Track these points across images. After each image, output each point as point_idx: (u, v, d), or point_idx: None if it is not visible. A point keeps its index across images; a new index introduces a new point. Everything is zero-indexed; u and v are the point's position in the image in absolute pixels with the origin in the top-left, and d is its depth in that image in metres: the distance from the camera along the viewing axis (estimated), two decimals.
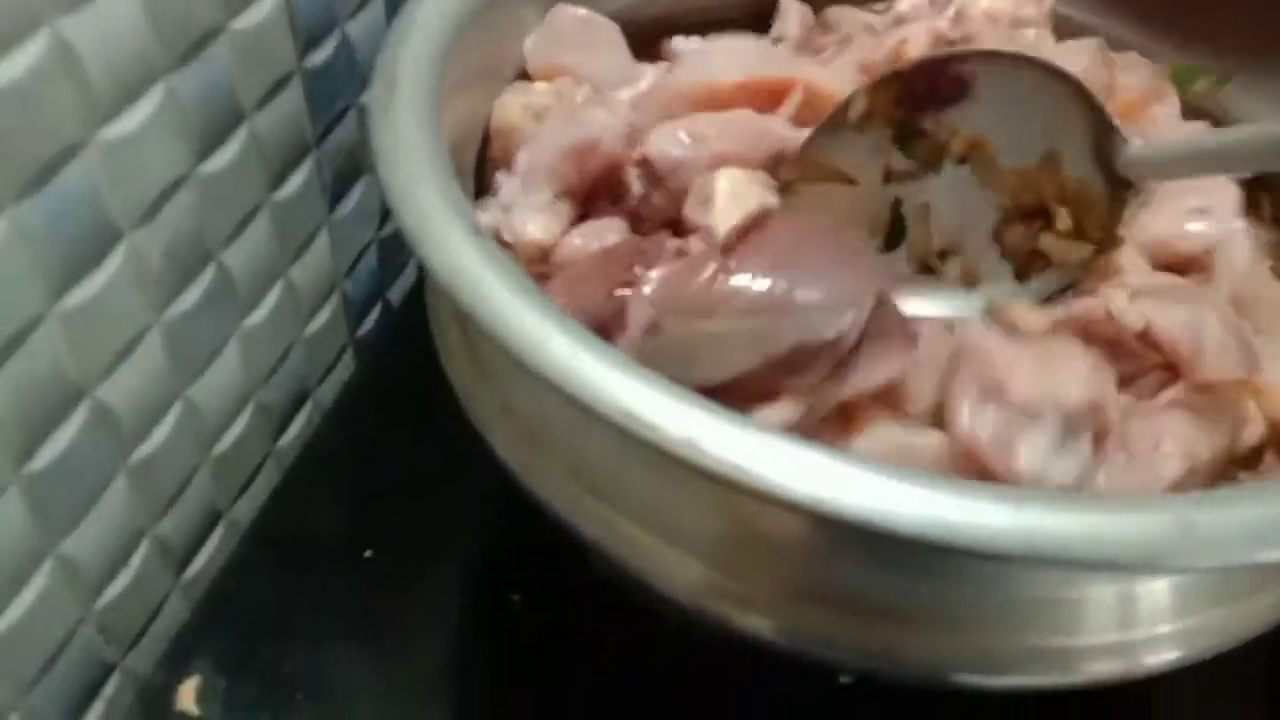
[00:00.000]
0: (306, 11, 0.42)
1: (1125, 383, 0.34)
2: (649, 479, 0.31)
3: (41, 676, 0.37)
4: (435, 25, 0.38)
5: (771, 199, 0.33)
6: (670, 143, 0.35)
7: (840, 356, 0.30)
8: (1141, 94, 0.42)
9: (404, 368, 0.51)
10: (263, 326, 0.45)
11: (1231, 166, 0.37)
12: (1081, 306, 0.35)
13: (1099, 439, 0.33)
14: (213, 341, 0.42)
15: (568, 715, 0.39)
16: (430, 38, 0.37)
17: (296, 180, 0.45)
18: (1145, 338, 0.34)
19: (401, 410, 0.50)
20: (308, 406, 0.50)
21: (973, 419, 0.32)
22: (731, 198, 0.33)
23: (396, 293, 0.56)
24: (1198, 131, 0.42)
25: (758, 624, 0.31)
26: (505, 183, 0.38)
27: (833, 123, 0.37)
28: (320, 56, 0.44)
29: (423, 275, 0.57)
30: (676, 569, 0.31)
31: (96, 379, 0.36)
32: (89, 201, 0.34)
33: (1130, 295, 0.34)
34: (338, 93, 0.46)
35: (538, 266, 0.36)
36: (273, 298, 0.45)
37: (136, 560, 0.40)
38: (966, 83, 0.38)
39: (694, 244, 0.34)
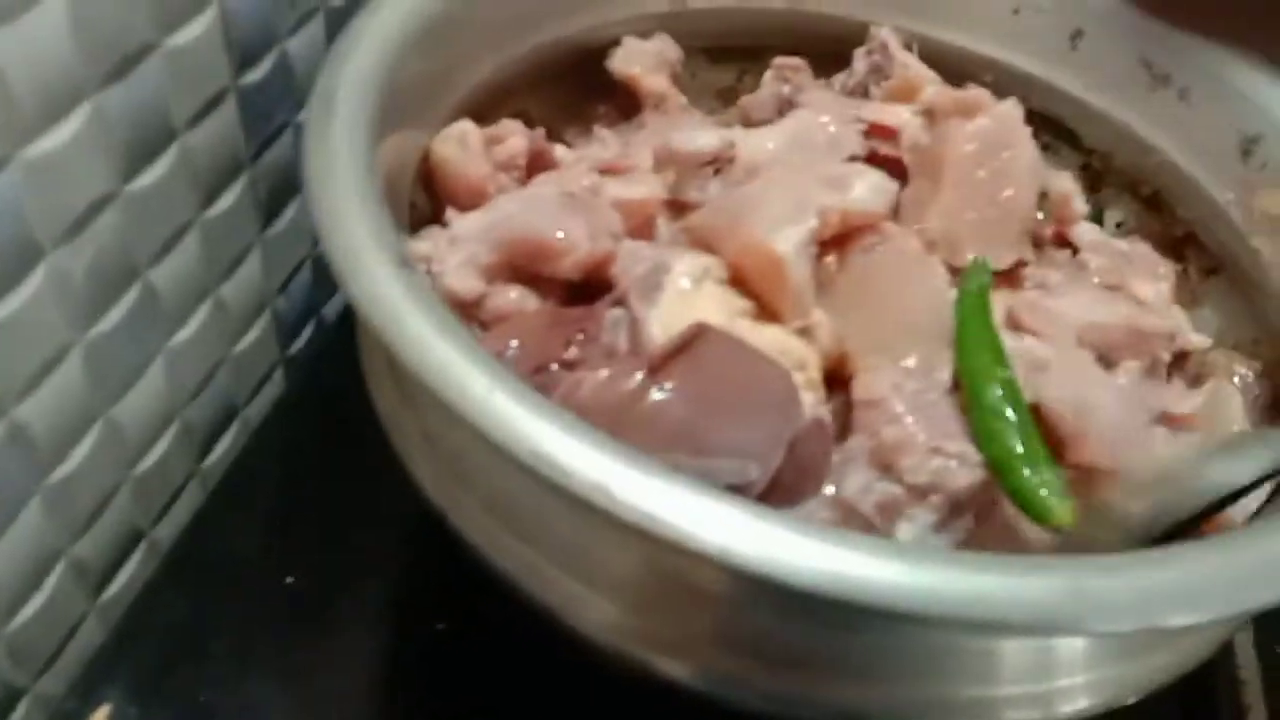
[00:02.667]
0: (243, 29, 0.42)
1: None
2: (566, 521, 0.31)
3: None
4: (377, 48, 0.37)
5: (722, 307, 0.34)
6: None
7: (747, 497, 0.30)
8: None
9: (336, 385, 0.50)
10: (189, 344, 0.44)
11: None
12: None
13: (982, 514, 0.33)
14: (136, 360, 0.41)
15: None
16: (372, 62, 0.37)
17: (229, 198, 0.44)
18: (1036, 411, 0.34)
19: (331, 429, 0.49)
20: (235, 425, 0.50)
21: (861, 492, 0.32)
22: (681, 298, 0.33)
23: (331, 309, 0.55)
24: None
25: (675, 668, 0.31)
26: (456, 221, 0.38)
27: None
28: (257, 74, 0.44)
29: None
30: (593, 611, 0.31)
31: (14, 399, 0.35)
32: (10, 219, 0.33)
33: (1028, 370, 0.35)
34: (274, 110, 0.46)
35: (469, 310, 0.36)
36: (201, 315, 0.45)
37: (51, 582, 0.40)
38: None
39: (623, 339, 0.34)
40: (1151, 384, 0.38)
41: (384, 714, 0.40)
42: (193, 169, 0.41)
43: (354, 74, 0.36)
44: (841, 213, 0.35)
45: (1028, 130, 0.40)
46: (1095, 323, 0.38)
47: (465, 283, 0.35)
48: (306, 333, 0.54)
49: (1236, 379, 0.39)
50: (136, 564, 0.44)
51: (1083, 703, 0.32)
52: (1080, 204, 0.43)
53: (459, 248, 0.36)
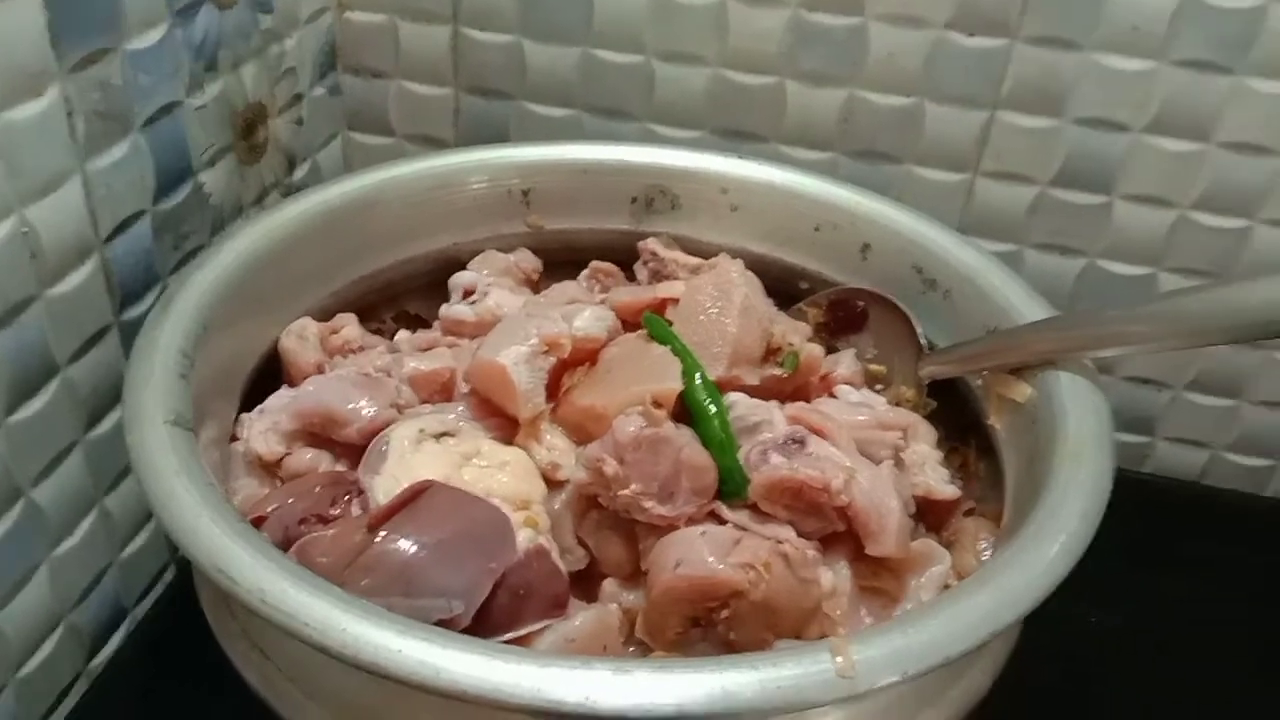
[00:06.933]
0: (126, 273, 0.48)
1: (811, 536, 0.41)
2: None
3: None
4: (227, 263, 0.46)
5: (441, 460, 0.39)
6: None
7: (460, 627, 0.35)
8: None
9: None
10: (75, 552, 0.49)
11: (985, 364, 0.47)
12: (805, 475, 0.40)
13: None
14: (20, 569, 0.46)
15: None
16: (216, 275, 0.46)
17: (113, 418, 0.50)
18: (842, 511, 0.41)
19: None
20: (125, 624, 0.54)
21: None
22: (402, 461, 0.39)
23: None
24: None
25: None
26: (275, 398, 0.46)
27: None
28: (140, 309, 0.50)
29: None
30: None
31: None
32: None
33: (845, 479, 0.40)
34: None
35: (272, 469, 0.44)
36: (86, 525, 0.49)
37: None
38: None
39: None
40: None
41: None
42: (75, 397, 0.47)
43: (197, 281, 0.45)
44: (571, 337, 0.44)
45: (743, 279, 0.47)
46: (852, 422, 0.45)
47: (266, 445, 0.43)
48: None
49: (982, 543, 0.44)
50: None
51: None
52: (838, 366, 0.50)
53: (266, 417, 0.44)
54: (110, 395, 0.49)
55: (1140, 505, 0.54)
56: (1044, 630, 0.40)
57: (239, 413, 0.45)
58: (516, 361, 0.41)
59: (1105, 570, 0.43)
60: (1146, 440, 0.66)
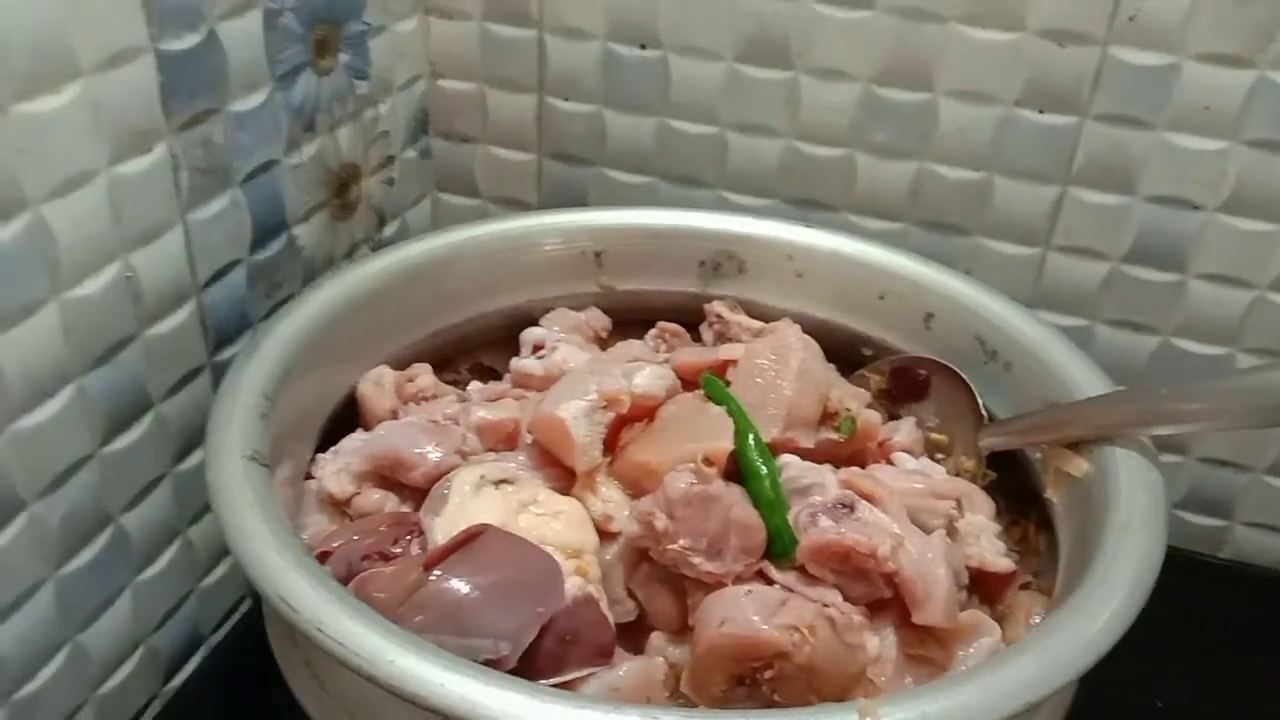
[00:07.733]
0: (220, 317, 0.52)
1: (858, 601, 0.41)
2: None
3: None
4: (310, 313, 0.49)
5: (498, 505, 0.41)
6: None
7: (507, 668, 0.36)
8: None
9: None
10: (158, 579, 0.51)
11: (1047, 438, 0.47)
12: (852, 540, 0.41)
13: None
14: (105, 593, 0.49)
15: None
16: (300, 324, 0.49)
17: (201, 454, 0.52)
18: (889, 577, 0.41)
19: None
20: (201, 651, 0.56)
21: None
22: (461, 505, 0.40)
23: None
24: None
25: None
26: (349, 440, 0.48)
27: None
28: (232, 352, 0.53)
29: None
30: None
31: None
32: None
33: (893, 546, 0.41)
34: None
35: (341, 507, 0.45)
36: (169, 554, 0.52)
37: None
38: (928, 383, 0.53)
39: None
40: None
41: None
42: (166, 432, 0.50)
43: (282, 329, 0.48)
44: (630, 394, 0.45)
45: (801, 344, 0.48)
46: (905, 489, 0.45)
47: (338, 485, 0.45)
48: None
49: (1036, 617, 0.43)
50: None
51: None
52: (897, 434, 0.50)
53: (339, 458, 0.46)
54: (200, 432, 0.51)
55: (1216, 591, 0.53)
56: (1111, 712, 0.40)
57: (315, 452, 0.48)
58: (576, 415, 0.43)
59: (1177, 654, 0.42)
60: (1224, 524, 0.64)
